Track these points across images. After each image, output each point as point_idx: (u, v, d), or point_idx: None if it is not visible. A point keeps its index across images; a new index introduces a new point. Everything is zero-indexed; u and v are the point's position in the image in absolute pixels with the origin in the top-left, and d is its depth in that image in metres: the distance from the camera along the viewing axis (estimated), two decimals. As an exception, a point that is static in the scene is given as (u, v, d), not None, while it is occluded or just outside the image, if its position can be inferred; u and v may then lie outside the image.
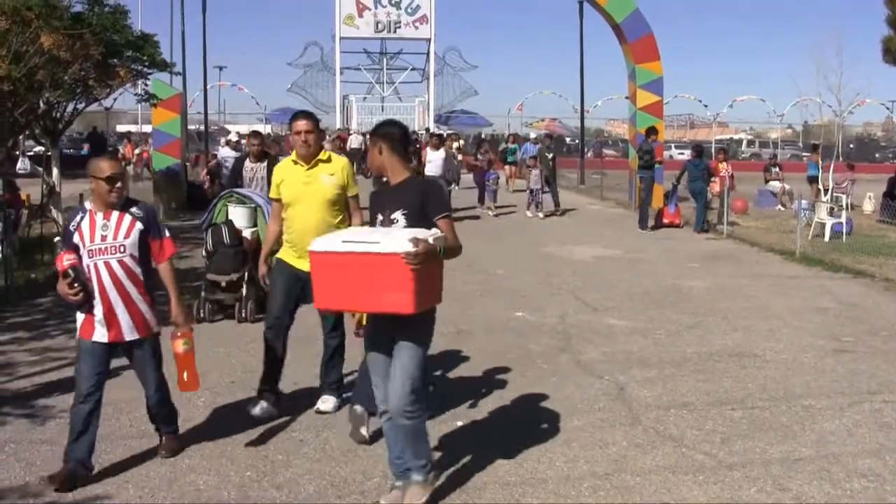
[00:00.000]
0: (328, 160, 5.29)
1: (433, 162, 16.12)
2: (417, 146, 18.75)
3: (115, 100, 29.34)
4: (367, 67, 44.15)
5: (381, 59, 44.01)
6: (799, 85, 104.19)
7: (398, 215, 3.95)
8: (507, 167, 23.53)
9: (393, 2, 40.15)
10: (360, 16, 40.22)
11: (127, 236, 4.28)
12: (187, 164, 20.31)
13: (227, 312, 8.06)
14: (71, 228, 4.31)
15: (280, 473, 4.46)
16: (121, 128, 46.36)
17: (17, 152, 23.49)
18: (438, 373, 6.26)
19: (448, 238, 3.86)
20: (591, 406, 5.62)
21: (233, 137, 18.81)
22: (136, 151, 28.33)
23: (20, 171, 21.67)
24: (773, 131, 52.37)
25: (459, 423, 5.23)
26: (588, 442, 4.95)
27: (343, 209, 5.29)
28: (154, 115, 17.84)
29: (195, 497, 4.17)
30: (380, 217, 4.05)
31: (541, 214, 17.35)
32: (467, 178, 21.15)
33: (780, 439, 5.02)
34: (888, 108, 47.14)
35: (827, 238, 14.02)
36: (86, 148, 29.82)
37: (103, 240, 4.25)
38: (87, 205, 4.36)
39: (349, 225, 5.26)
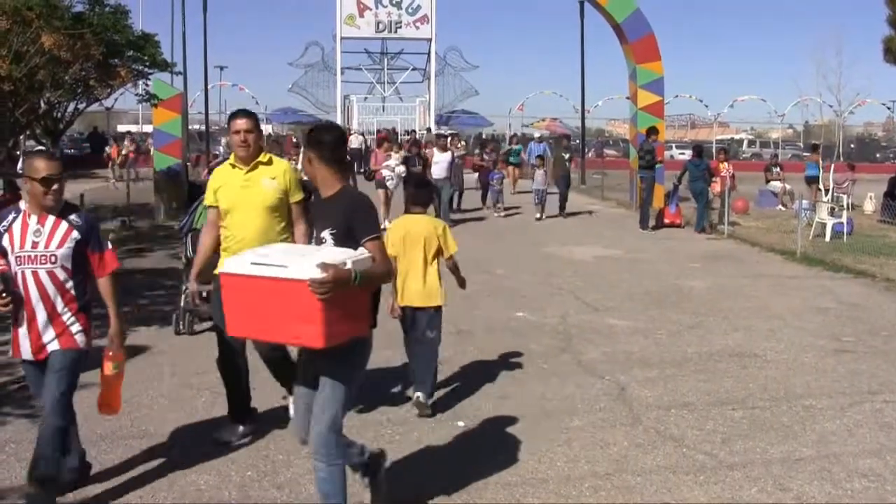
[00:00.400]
0: (269, 162, 4.84)
1: (440, 164, 15.88)
2: (420, 147, 18.40)
3: (115, 100, 29.43)
4: (368, 67, 44.16)
5: (382, 59, 44.00)
6: (800, 85, 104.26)
7: (326, 234, 3.56)
8: (509, 168, 23.24)
9: (394, 2, 40.13)
10: (361, 16, 40.20)
11: (60, 246, 3.85)
12: (188, 164, 20.31)
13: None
14: (0, 229, 3.87)
15: (281, 473, 4.46)
16: (121, 128, 46.34)
17: (18, 152, 23.50)
18: (440, 373, 6.26)
19: (376, 262, 3.44)
20: (591, 406, 5.62)
21: None
22: (122, 152, 28.24)
23: (21, 171, 21.68)
24: (774, 131, 52.33)
25: (460, 424, 5.23)
26: (589, 442, 4.95)
27: (285, 216, 4.83)
28: (155, 115, 17.84)
29: (196, 497, 4.17)
30: (315, 233, 3.71)
31: (542, 215, 17.20)
32: (470, 178, 21.06)
33: (780, 439, 5.02)
34: (889, 108, 47.06)
35: (828, 238, 14.02)
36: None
37: (34, 246, 3.83)
38: (23, 205, 3.95)
39: (292, 234, 4.85)
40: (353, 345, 3.45)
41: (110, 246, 4.07)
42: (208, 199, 4.88)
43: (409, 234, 5.46)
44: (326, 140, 3.61)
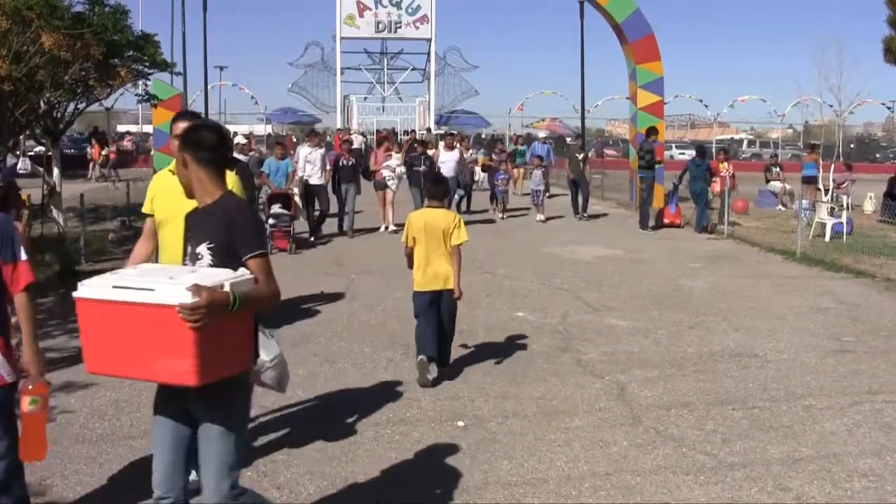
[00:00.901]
0: None
1: (446, 163, 15.33)
2: (426, 147, 17.81)
3: (115, 100, 29.40)
4: (368, 67, 44.23)
5: (382, 59, 44.08)
6: (800, 85, 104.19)
7: (203, 250, 3.05)
8: (515, 170, 22.85)
9: (393, 2, 40.20)
10: (361, 16, 40.26)
11: None
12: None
13: None
14: None
15: (280, 473, 4.45)
16: (121, 128, 46.38)
17: (18, 152, 23.50)
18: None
19: (259, 283, 2.94)
20: (591, 406, 5.62)
21: (240, 140, 17.74)
22: (103, 153, 28.09)
23: (20, 171, 21.68)
24: (774, 131, 52.33)
25: (460, 424, 5.23)
26: (589, 442, 4.95)
27: None
28: (155, 116, 17.91)
29: (195, 497, 4.16)
30: (188, 248, 3.16)
31: (539, 217, 16.90)
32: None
33: (780, 439, 5.02)
34: (889, 108, 47.06)
35: (828, 238, 14.02)
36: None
37: None
38: None
39: None
40: (233, 383, 2.97)
41: (24, 256, 3.41)
42: (145, 207, 4.48)
43: (428, 225, 6.07)
44: (205, 139, 3.12)
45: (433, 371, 6.05)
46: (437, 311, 6.10)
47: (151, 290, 2.76)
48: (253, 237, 3.03)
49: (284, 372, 4.21)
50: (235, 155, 14.49)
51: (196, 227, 3.13)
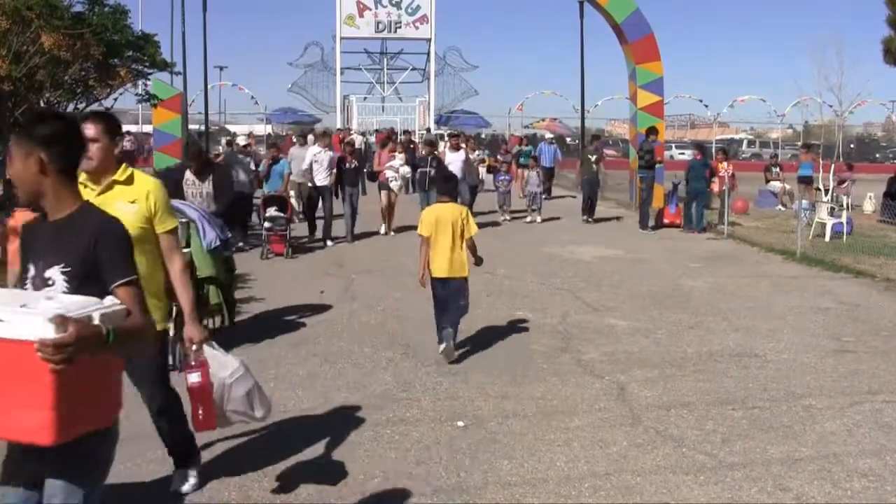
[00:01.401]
0: (128, 181, 3.82)
1: (452, 164, 14.44)
2: (433, 148, 17.30)
3: (115, 100, 29.31)
4: (368, 67, 44.26)
5: (382, 59, 44.10)
6: (800, 85, 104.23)
7: (55, 273, 2.52)
8: (519, 171, 22.64)
9: (393, 2, 40.20)
10: (361, 16, 40.27)
11: None
12: (188, 164, 20.28)
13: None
14: None
15: (280, 474, 4.45)
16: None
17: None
18: (445, 371, 6.27)
19: (132, 315, 2.45)
20: (591, 406, 5.62)
21: (241, 140, 17.28)
22: None
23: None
24: (774, 131, 52.34)
25: (460, 424, 5.23)
26: (588, 442, 4.95)
27: (153, 250, 3.87)
28: (155, 116, 17.90)
29: (196, 497, 4.17)
30: (31, 271, 2.59)
31: (539, 219, 16.80)
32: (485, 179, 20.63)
33: (780, 439, 5.02)
34: (888, 109, 47.06)
35: (827, 238, 14.03)
36: None
37: None
38: None
39: (164, 273, 3.91)
40: (96, 435, 2.46)
41: None
42: None
43: (439, 219, 6.64)
44: (66, 137, 2.57)
45: (449, 344, 6.53)
46: (445, 295, 6.69)
47: (1, 320, 2.22)
48: (122, 260, 2.55)
49: (258, 392, 4.02)
50: (236, 153, 14.31)
51: (45, 245, 2.57)
